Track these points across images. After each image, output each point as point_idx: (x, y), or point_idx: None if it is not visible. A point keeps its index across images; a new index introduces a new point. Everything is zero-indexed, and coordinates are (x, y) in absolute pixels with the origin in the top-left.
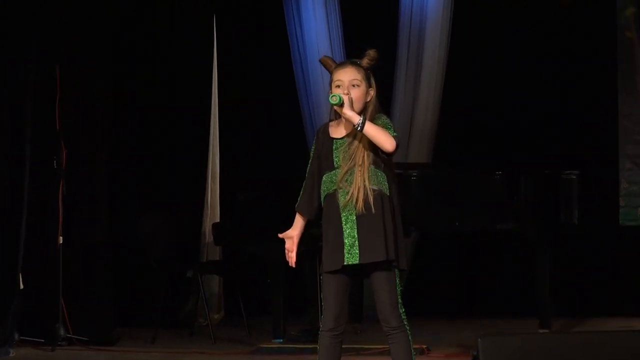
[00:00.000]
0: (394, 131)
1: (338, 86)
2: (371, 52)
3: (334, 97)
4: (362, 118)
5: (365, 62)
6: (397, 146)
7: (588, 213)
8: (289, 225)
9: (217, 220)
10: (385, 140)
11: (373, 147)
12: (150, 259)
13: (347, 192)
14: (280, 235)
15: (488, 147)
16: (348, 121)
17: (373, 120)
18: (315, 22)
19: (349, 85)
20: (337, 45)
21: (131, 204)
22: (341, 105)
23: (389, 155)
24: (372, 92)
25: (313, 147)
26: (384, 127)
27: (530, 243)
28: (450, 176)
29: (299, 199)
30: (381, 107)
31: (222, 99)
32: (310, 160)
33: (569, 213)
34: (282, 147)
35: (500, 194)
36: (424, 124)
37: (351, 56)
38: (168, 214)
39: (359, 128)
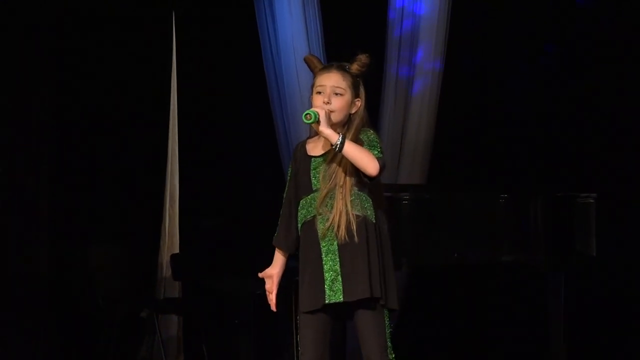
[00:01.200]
0: (380, 151)
1: (319, 92)
2: (363, 57)
3: (307, 116)
4: (340, 137)
5: (355, 67)
6: (382, 169)
7: (608, 242)
8: (261, 257)
9: (176, 251)
10: (367, 164)
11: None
12: (98, 296)
13: (327, 219)
14: (260, 275)
15: (491, 166)
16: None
17: (358, 135)
18: (291, 19)
19: (330, 93)
20: (316, 47)
21: (76, 232)
22: (317, 122)
23: (371, 179)
24: (360, 104)
25: (290, 169)
26: (369, 144)
27: (542, 278)
28: (447, 200)
29: (276, 230)
30: (370, 122)
31: (182, 109)
32: (287, 184)
33: (585, 242)
34: (252, 165)
35: (506, 220)
36: (416, 139)
37: (332, 59)
38: (118, 244)
39: (337, 149)
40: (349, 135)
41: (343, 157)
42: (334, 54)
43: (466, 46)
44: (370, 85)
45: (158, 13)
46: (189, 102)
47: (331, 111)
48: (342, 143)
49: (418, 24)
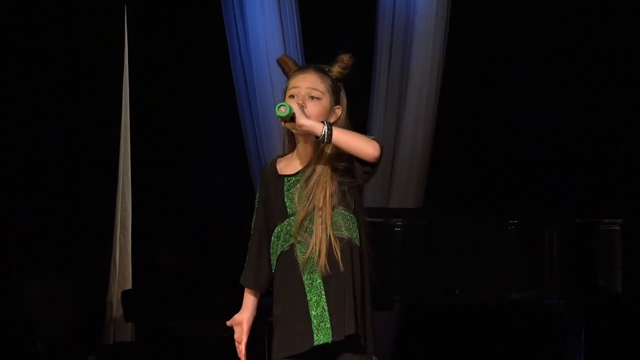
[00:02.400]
0: (371, 136)
1: (292, 96)
2: (345, 58)
3: (282, 108)
4: (326, 125)
5: (336, 70)
6: (382, 150)
7: (636, 277)
8: (228, 294)
9: (129, 286)
10: (364, 146)
11: (338, 182)
12: (36, 340)
13: (307, 246)
14: (228, 323)
15: (499, 187)
16: (302, 148)
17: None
18: (264, 17)
19: (305, 95)
20: (293, 47)
21: (8, 263)
22: (292, 118)
23: (373, 165)
24: (340, 112)
25: (257, 194)
26: None
27: (558, 319)
28: (447, 226)
29: (244, 266)
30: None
31: (135, 119)
32: (254, 212)
33: (610, 277)
34: (218, 185)
35: (516, 251)
36: (411, 156)
37: (312, 62)
38: (61, 280)
39: (324, 139)
40: (329, 151)
41: (322, 172)
42: (314, 56)
43: (469, 46)
44: (355, 93)
45: (108, 6)
46: (143, 112)
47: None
48: (330, 130)
49: (412, 21)
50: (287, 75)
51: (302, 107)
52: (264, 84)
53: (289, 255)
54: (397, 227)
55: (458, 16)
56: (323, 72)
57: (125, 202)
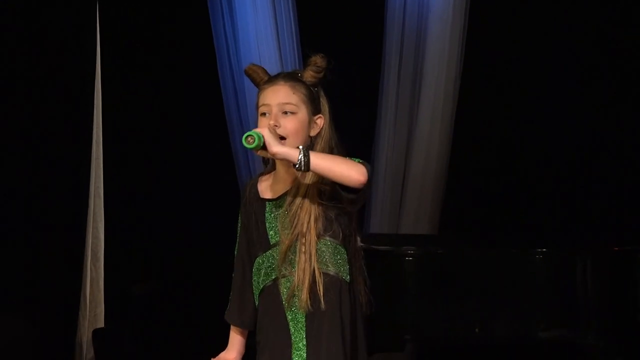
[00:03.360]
0: (357, 159)
1: (264, 114)
2: (317, 60)
3: (249, 138)
4: (302, 151)
5: (308, 75)
6: (369, 175)
7: None
8: (211, 331)
9: (101, 325)
10: (348, 171)
11: (324, 206)
12: None
13: (292, 281)
14: None
15: (524, 211)
16: (283, 170)
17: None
18: (256, 15)
19: (277, 113)
20: (289, 50)
21: None
22: (262, 147)
23: (357, 192)
24: (322, 122)
25: (239, 217)
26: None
27: None
28: (465, 256)
29: (229, 301)
30: (342, 146)
31: (108, 135)
32: (237, 240)
33: None
34: (201, 211)
35: (544, 283)
36: (424, 175)
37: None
38: (23, 316)
39: (301, 167)
40: (313, 176)
41: (306, 194)
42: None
43: (491, 48)
44: (359, 102)
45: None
46: (116, 127)
47: (281, 137)
48: (307, 157)
49: (426, 19)
50: (259, 87)
51: (274, 129)
52: (255, 90)
53: (272, 291)
54: (409, 257)
55: (478, 13)
56: (295, 80)
57: (97, 229)
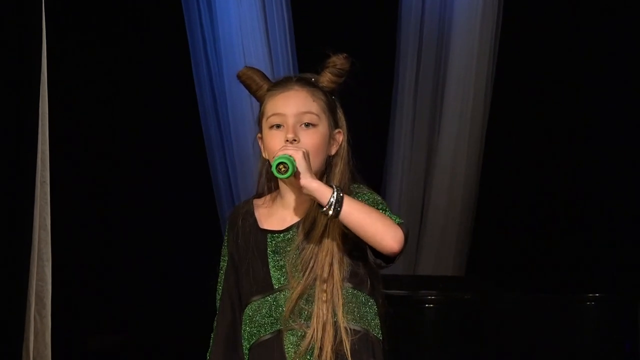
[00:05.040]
0: (395, 215)
1: (276, 126)
2: (338, 61)
3: (280, 167)
4: (335, 192)
5: (326, 78)
6: (405, 242)
7: None
8: None
9: None
10: (383, 232)
11: (348, 247)
12: None
13: (303, 336)
14: None
15: (566, 248)
16: (294, 194)
17: (350, 193)
18: (239, 6)
19: (295, 126)
20: (280, 49)
21: None
22: (295, 174)
23: (388, 260)
24: (342, 137)
25: (224, 249)
26: (373, 205)
27: None
28: (496, 303)
29: (210, 348)
30: (356, 171)
31: (56, 144)
32: (220, 271)
33: None
34: (171, 243)
35: (598, 336)
36: (448, 206)
37: (307, 70)
38: None
39: (329, 212)
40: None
41: (325, 233)
42: (309, 60)
43: (529, 53)
44: (370, 117)
45: None
46: (66, 140)
47: (308, 156)
48: (340, 202)
49: (450, 18)
50: (256, 95)
51: (307, 156)
52: (238, 97)
53: (270, 347)
54: (429, 303)
55: (514, 12)
56: (312, 85)
57: (43, 268)
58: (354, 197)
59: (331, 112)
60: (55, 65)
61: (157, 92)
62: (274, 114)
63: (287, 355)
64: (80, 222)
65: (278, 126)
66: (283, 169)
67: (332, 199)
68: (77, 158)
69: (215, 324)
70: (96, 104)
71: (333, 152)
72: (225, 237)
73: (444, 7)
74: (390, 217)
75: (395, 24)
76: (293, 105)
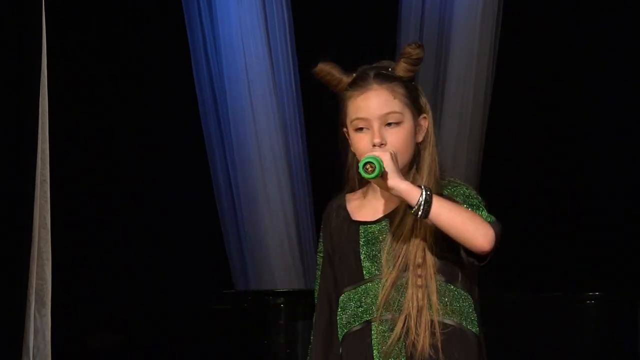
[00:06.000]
0: (487, 211)
1: (360, 129)
2: (413, 51)
3: (368, 166)
4: (424, 192)
5: (402, 69)
6: (497, 241)
7: None
8: None
9: None
10: (473, 232)
11: (441, 237)
12: None
13: (392, 326)
14: None
15: (567, 248)
16: (392, 195)
17: (442, 190)
18: (240, 8)
19: (380, 126)
20: (280, 46)
21: None
22: (383, 174)
23: (481, 259)
24: (427, 122)
25: (320, 245)
26: (467, 202)
27: None
28: (499, 301)
29: (309, 350)
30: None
31: (56, 144)
32: (318, 272)
33: None
34: (171, 243)
35: (598, 336)
36: None
37: (305, 65)
38: None
39: (418, 213)
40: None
41: (419, 222)
42: (310, 56)
43: (530, 52)
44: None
45: None
46: (66, 141)
47: (396, 157)
48: (428, 204)
49: (450, 17)
50: (337, 90)
51: (394, 157)
52: (238, 96)
53: (360, 337)
54: None
55: (514, 11)
56: (389, 80)
57: (43, 267)
58: (449, 190)
59: (413, 102)
60: (55, 65)
61: (157, 91)
62: (357, 118)
63: (375, 345)
64: (81, 221)
65: (362, 129)
66: (370, 169)
67: (420, 200)
68: (77, 157)
69: (314, 320)
70: (96, 103)
71: (420, 139)
72: (321, 234)
73: (444, 7)
74: (482, 215)
75: (395, 24)
76: (375, 108)
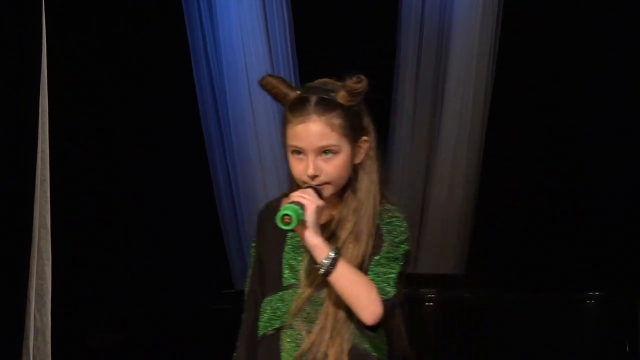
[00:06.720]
0: (398, 274)
1: (298, 152)
2: (354, 84)
3: (285, 219)
4: (333, 254)
5: (342, 97)
6: (386, 316)
7: None
8: None
9: None
10: (362, 306)
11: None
12: None
13: (301, 337)
14: None
15: (568, 248)
16: (326, 204)
17: (375, 212)
18: (240, 5)
19: (315, 160)
20: (280, 48)
21: None
22: (301, 222)
23: (368, 328)
24: (366, 145)
25: (253, 245)
26: (388, 252)
27: None
28: (497, 302)
29: (236, 346)
30: (386, 171)
31: (56, 143)
32: (249, 272)
33: None
34: (171, 243)
35: (598, 336)
36: (448, 205)
37: (306, 68)
38: None
39: (322, 271)
40: (358, 214)
41: (347, 238)
42: (309, 58)
43: (529, 52)
44: (371, 116)
45: None
46: (67, 141)
47: (323, 184)
48: (333, 266)
49: (450, 18)
50: (282, 103)
51: (319, 210)
52: (238, 96)
53: (271, 343)
54: (429, 302)
55: (514, 11)
56: (329, 109)
57: (43, 267)
58: (383, 221)
59: (353, 129)
60: (55, 65)
61: (157, 91)
62: (294, 145)
63: (283, 354)
64: (81, 220)
65: (298, 152)
66: (287, 220)
67: (325, 262)
68: (77, 157)
69: (242, 318)
70: (96, 103)
71: (359, 160)
72: (256, 233)
73: (444, 7)
74: (380, 289)
75: (395, 24)
76: (312, 140)
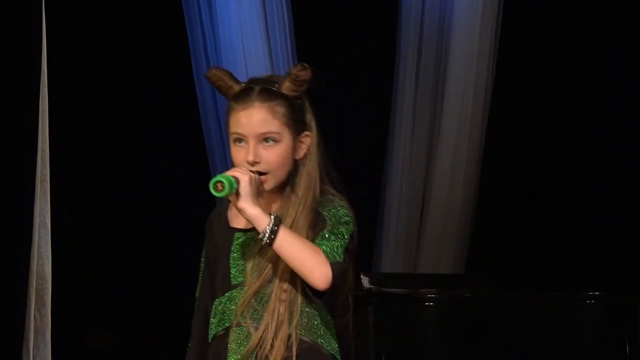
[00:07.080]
0: (344, 244)
1: (239, 140)
2: (297, 71)
3: (218, 185)
4: (272, 221)
5: (287, 87)
6: (335, 281)
7: None
8: None
9: None
10: (311, 269)
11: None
12: None
13: (248, 334)
14: None
15: (569, 247)
16: (269, 200)
17: (314, 204)
18: (239, 8)
19: (255, 146)
20: (280, 46)
21: None
22: (236, 193)
23: (318, 295)
24: (310, 139)
25: (203, 251)
26: (332, 229)
27: None
28: (498, 301)
29: (186, 352)
30: (333, 171)
31: (56, 142)
32: (200, 277)
33: None
34: (171, 243)
35: (598, 336)
36: (448, 203)
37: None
38: None
39: (265, 240)
40: (298, 209)
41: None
42: (310, 57)
43: (530, 51)
44: (370, 114)
45: None
46: (66, 139)
47: (261, 173)
48: (274, 233)
49: (450, 17)
50: (226, 96)
51: (255, 180)
52: None
53: (221, 343)
54: (429, 302)
55: (514, 11)
56: (272, 98)
57: (43, 266)
58: (324, 209)
59: (295, 121)
60: (55, 65)
61: (157, 91)
62: (236, 132)
63: (230, 351)
64: (80, 220)
65: (240, 141)
66: (220, 187)
67: (267, 228)
68: (77, 156)
69: (193, 323)
70: (96, 103)
71: (300, 156)
72: (205, 238)
73: (444, 7)
74: (327, 254)
75: (395, 24)
76: (253, 126)
